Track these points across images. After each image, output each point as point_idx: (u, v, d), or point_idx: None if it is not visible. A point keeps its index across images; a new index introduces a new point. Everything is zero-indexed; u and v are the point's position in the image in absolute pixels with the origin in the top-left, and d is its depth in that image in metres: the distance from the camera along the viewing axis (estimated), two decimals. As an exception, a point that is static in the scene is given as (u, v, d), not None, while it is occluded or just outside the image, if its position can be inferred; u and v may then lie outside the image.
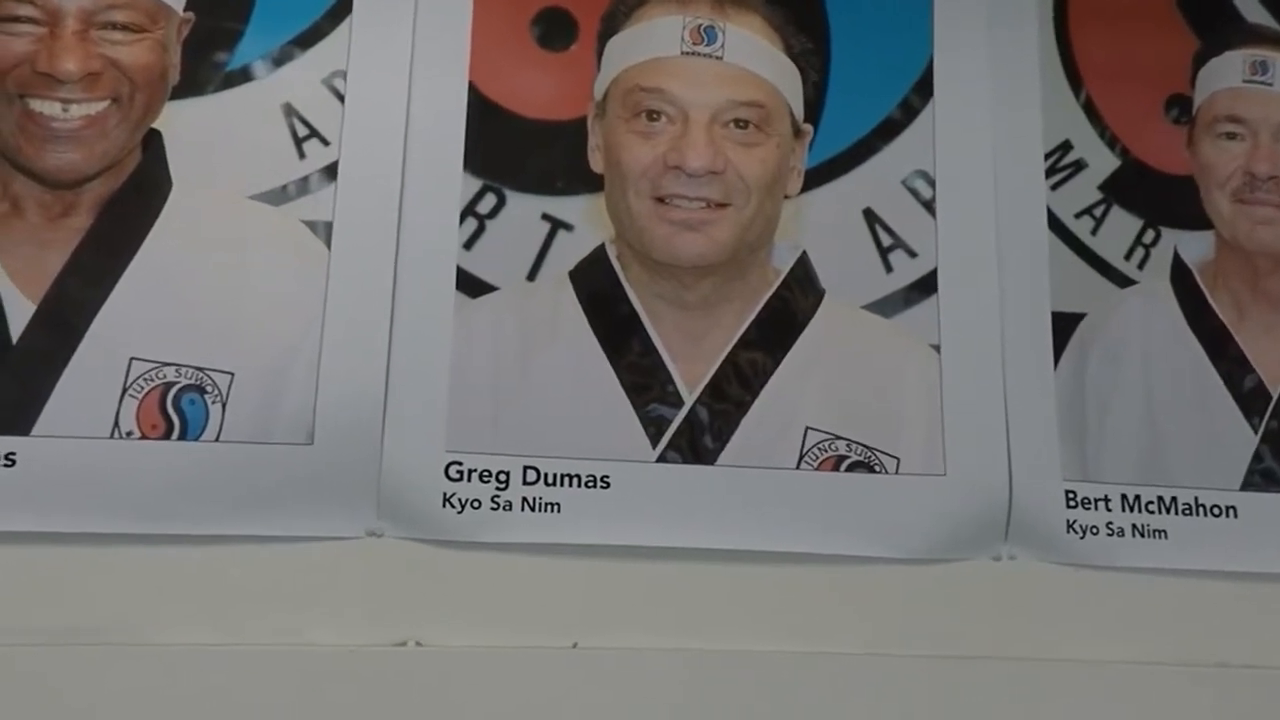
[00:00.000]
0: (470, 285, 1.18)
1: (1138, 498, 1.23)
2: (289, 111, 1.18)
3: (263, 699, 1.04)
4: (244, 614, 1.06)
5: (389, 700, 1.05)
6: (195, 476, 1.07)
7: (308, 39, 1.20)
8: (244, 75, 1.18)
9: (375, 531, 1.10)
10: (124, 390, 1.07)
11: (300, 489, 1.09)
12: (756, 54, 1.24)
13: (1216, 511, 1.23)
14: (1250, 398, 1.27)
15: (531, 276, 1.20)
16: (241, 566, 1.07)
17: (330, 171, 1.17)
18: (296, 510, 1.08)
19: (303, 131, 1.18)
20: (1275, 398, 1.27)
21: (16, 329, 1.07)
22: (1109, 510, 1.22)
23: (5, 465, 1.04)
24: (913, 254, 1.27)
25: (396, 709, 1.05)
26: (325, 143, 1.18)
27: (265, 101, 1.18)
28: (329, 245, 1.14)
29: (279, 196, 1.16)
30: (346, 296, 1.13)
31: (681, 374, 1.19)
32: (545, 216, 1.22)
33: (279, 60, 1.19)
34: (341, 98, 1.19)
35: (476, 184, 1.20)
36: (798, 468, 1.19)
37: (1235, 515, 1.23)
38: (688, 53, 1.23)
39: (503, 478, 1.13)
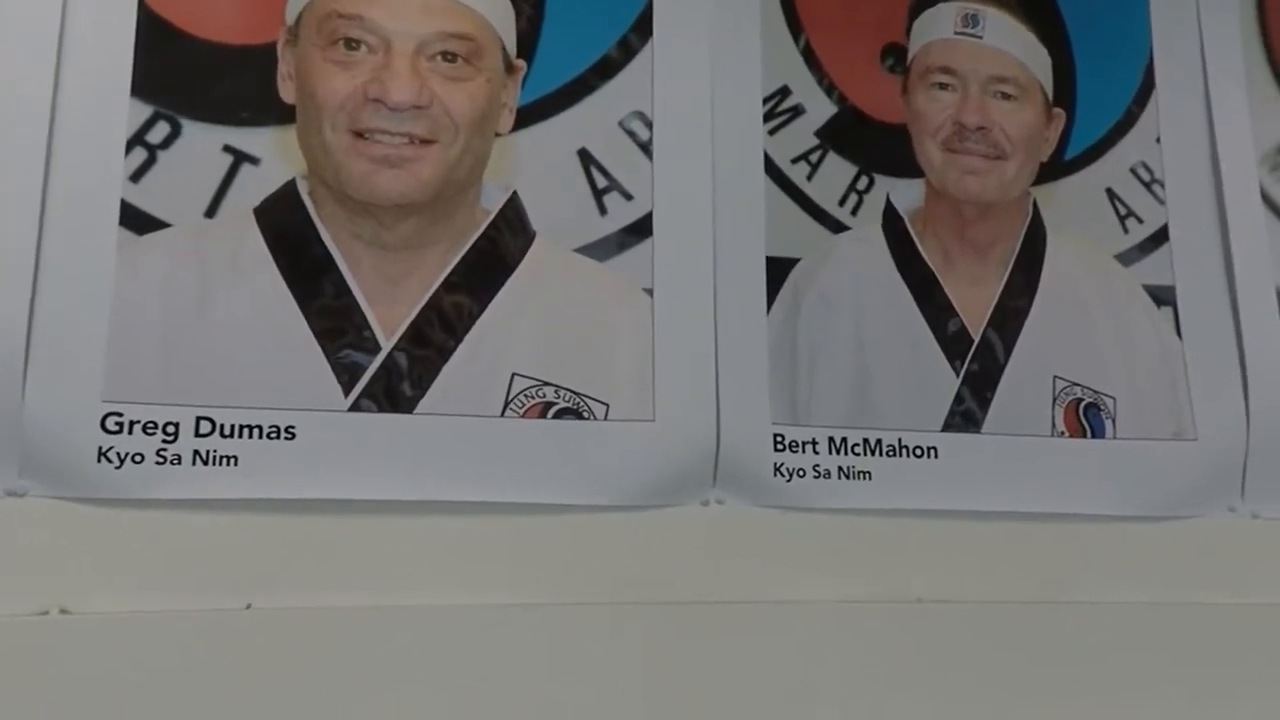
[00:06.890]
0: (137, 221, 1.08)
1: (844, 440, 1.24)
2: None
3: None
4: None
5: (29, 673, 0.95)
6: None
7: (-56, -59, 1.07)
8: None
9: (16, 491, 0.99)
10: None
11: (-76, 445, 0.97)
12: (467, -17, 1.18)
13: (918, 452, 1.26)
14: (953, 341, 1.30)
15: (210, 213, 1.11)
16: None
17: (-33, 91, 1.04)
18: (-80, 468, 0.97)
19: (-66, 45, 1.05)
20: (976, 341, 1.31)
21: None
22: (816, 453, 1.22)
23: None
24: (628, 196, 1.24)
25: (37, 682, 0.95)
26: (-38, 58, 1.05)
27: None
28: (-37, 172, 1.03)
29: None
30: (-18, 230, 1.02)
31: (379, 318, 1.13)
32: (227, 149, 1.12)
33: (-92, -36, 1.06)
34: (-16, 9, 1.06)
35: (147, 110, 1.10)
36: (502, 415, 1.14)
37: (936, 455, 1.26)
38: (392, -22, 1.16)
39: (171, 429, 1.04)
